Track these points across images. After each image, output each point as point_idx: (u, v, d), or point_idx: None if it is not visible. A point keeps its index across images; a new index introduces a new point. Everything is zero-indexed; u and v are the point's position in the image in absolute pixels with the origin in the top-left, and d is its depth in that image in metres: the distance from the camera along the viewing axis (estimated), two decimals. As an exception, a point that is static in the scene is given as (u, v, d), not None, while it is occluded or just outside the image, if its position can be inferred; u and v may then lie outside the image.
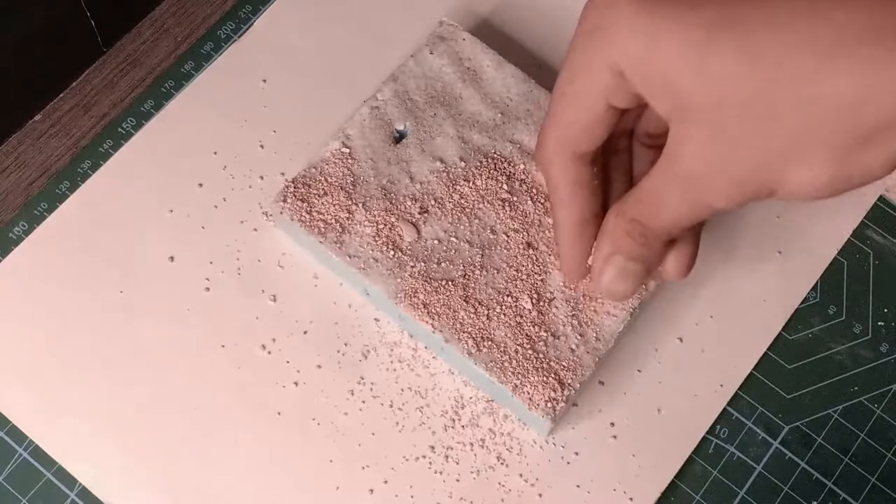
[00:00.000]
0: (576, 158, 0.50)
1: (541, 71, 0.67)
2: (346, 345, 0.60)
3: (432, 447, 0.59)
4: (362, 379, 0.60)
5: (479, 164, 0.61)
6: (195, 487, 0.57)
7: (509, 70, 0.63)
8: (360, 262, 0.58)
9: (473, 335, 0.57)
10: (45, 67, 0.64)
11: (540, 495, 0.59)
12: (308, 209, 0.59)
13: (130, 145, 0.63)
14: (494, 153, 0.61)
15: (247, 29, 0.67)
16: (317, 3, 0.68)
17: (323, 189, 0.59)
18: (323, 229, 0.58)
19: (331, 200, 0.59)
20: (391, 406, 0.60)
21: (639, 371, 0.62)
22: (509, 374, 0.57)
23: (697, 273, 0.63)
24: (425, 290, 0.58)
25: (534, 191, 0.61)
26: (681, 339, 0.63)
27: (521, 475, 0.59)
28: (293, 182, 0.59)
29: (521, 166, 0.61)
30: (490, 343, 0.57)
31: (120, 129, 0.64)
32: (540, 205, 0.60)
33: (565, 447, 0.60)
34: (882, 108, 0.39)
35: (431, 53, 0.63)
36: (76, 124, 0.65)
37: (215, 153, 0.64)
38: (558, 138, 0.50)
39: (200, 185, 0.63)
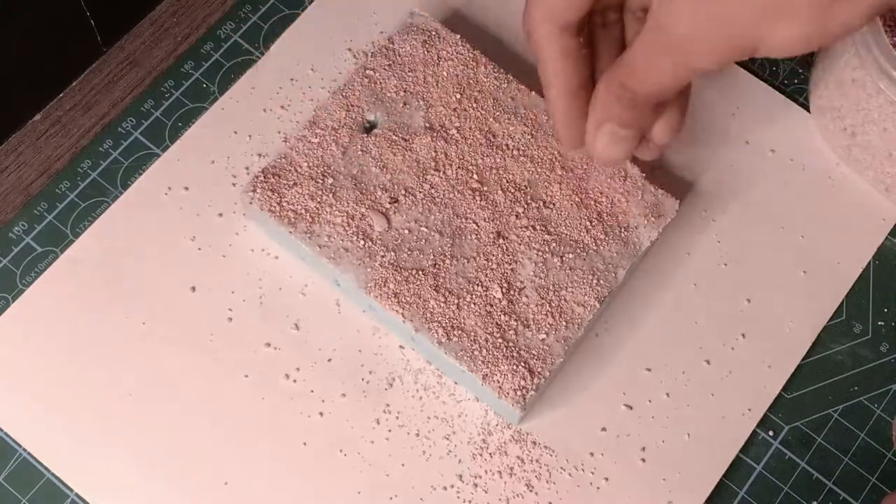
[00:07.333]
0: (562, 29, 0.50)
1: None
2: (370, 373, 0.60)
3: (460, 476, 0.58)
4: (388, 407, 0.60)
5: (449, 154, 0.61)
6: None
7: (481, 60, 0.63)
8: (330, 251, 0.58)
9: (444, 324, 0.57)
10: (45, 67, 0.65)
11: (571, 523, 0.58)
12: (278, 199, 0.59)
13: (149, 174, 0.64)
14: (465, 143, 0.61)
15: (263, 54, 0.68)
16: (330, 25, 0.68)
17: (293, 179, 0.59)
18: (293, 219, 0.59)
19: (301, 191, 0.59)
20: (418, 435, 0.59)
21: (667, 395, 0.61)
22: (479, 362, 0.56)
23: (724, 293, 0.63)
24: (395, 279, 0.58)
25: (504, 181, 0.60)
26: (708, 362, 0.62)
27: (550, 503, 0.58)
28: (263, 172, 0.60)
29: (491, 158, 0.61)
30: (460, 332, 0.57)
31: (120, 129, 0.65)
32: (510, 195, 0.60)
33: (595, 473, 0.59)
34: None
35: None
36: (76, 124, 0.66)
37: (234, 184, 0.64)
38: (543, 10, 0.50)
39: (220, 214, 0.63)
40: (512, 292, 0.58)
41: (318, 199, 0.59)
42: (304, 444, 0.58)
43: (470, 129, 0.61)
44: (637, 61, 0.48)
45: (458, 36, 0.63)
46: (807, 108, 0.68)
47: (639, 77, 0.48)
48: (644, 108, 0.50)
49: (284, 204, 0.59)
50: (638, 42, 0.47)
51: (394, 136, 0.61)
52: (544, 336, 0.57)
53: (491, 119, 0.61)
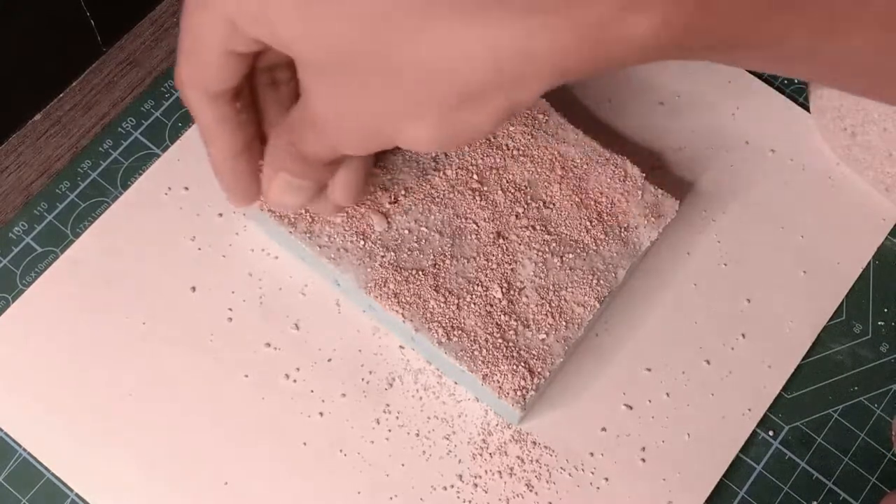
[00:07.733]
0: (212, 97, 0.47)
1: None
2: (370, 373, 0.60)
3: (460, 476, 0.58)
4: (388, 407, 0.59)
5: (449, 154, 0.61)
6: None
7: None
8: (330, 251, 0.58)
9: (444, 324, 0.57)
10: (45, 67, 0.65)
11: (572, 523, 0.58)
12: (278, 199, 0.59)
13: (149, 174, 0.64)
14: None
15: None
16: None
17: (293, 179, 0.59)
18: (293, 219, 0.58)
19: (301, 190, 0.59)
20: (418, 435, 0.59)
21: (667, 395, 0.61)
22: (479, 362, 0.56)
23: (724, 293, 0.63)
24: (395, 279, 0.58)
25: (504, 181, 0.60)
26: (708, 362, 0.62)
27: (550, 503, 0.58)
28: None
29: (491, 158, 0.61)
30: (460, 332, 0.57)
31: (120, 129, 0.65)
32: (510, 195, 0.60)
33: (595, 473, 0.59)
34: (477, 72, 0.38)
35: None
36: (76, 124, 0.66)
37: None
38: (189, 77, 0.47)
39: (220, 214, 0.63)
40: (512, 292, 0.58)
41: (319, 199, 0.59)
42: (304, 444, 0.58)
43: (470, 128, 0.61)
44: (294, 129, 0.47)
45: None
46: (807, 108, 0.68)
47: (298, 142, 0.47)
48: (315, 164, 0.49)
49: (284, 204, 0.59)
50: (293, 112, 0.47)
51: (393, 137, 0.61)
52: (544, 336, 0.57)
53: (491, 119, 0.61)
